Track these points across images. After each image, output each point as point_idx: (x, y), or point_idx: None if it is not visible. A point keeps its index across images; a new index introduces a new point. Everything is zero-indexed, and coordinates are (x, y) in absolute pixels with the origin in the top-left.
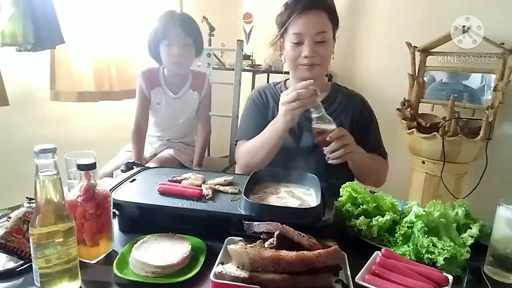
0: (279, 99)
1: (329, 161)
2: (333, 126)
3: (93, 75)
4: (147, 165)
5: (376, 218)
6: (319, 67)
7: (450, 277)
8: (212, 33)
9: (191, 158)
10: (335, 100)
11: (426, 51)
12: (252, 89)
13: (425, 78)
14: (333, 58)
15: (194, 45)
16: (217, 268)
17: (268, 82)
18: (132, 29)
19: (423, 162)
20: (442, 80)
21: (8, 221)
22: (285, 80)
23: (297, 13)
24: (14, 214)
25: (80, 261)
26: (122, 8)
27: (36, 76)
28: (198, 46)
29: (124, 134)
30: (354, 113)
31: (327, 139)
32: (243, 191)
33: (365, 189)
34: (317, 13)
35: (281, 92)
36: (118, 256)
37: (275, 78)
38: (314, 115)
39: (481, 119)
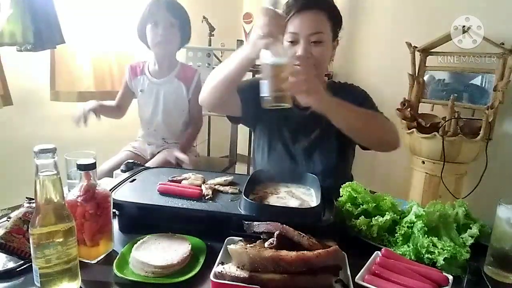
0: None
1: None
2: (285, 59)
3: (94, 75)
4: (146, 165)
5: (376, 218)
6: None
7: (450, 277)
8: (212, 33)
9: (189, 158)
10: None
11: (426, 51)
12: None
13: (425, 78)
14: (332, 60)
15: (180, 28)
16: (217, 268)
17: None
18: (132, 28)
19: (423, 162)
20: (442, 80)
21: (8, 221)
22: None
23: (294, 11)
24: (14, 214)
25: (80, 261)
26: (122, 8)
27: (36, 76)
28: (185, 31)
29: (124, 134)
30: None
31: (282, 75)
32: (243, 191)
33: (365, 189)
34: (315, 12)
35: None
36: (118, 256)
37: None
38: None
39: (481, 119)
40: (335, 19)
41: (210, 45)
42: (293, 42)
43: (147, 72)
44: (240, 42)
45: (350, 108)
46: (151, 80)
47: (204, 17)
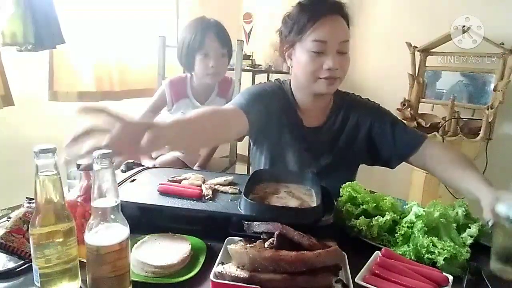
0: (287, 106)
1: None
2: None
3: (94, 75)
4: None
5: (376, 218)
6: (338, 81)
7: (450, 277)
8: None
9: (194, 161)
10: (339, 112)
11: (426, 51)
12: None
13: (425, 78)
14: None
15: (228, 55)
16: (217, 268)
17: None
18: (133, 29)
19: None
20: (442, 80)
21: (8, 221)
22: (289, 82)
23: (320, 17)
24: (14, 214)
25: (80, 261)
26: (123, 7)
27: (36, 76)
28: (230, 54)
29: None
30: (366, 123)
31: None
32: (243, 191)
33: (365, 189)
34: (340, 19)
35: (291, 97)
36: None
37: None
38: None
39: (481, 119)
40: (349, 27)
41: None
42: (319, 52)
43: (191, 95)
44: (240, 42)
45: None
46: (195, 104)
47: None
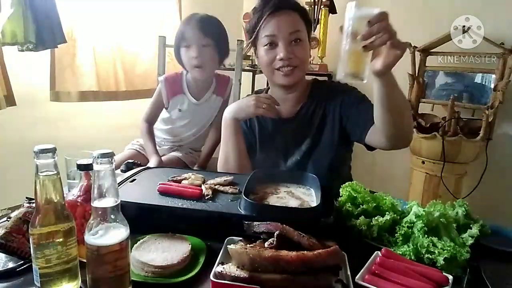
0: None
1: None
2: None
3: (96, 74)
4: (148, 165)
5: (376, 218)
6: (297, 69)
7: (450, 277)
8: None
9: (196, 161)
10: (313, 101)
11: (426, 51)
12: (252, 89)
13: (425, 78)
14: (312, 61)
15: (215, 46)
16: (217, 268)
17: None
18: (135, 29)
19: (423, 162)
20: (442, 80)
21: (8, 221)
22: (267, 89)
23: (268, 14)
24: (14, 214)
25: (80, 261)
26: (125, 7)
27: (36, 76)
28: (221, 48)
29: (124, 134)
30: (336, 105)
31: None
32: (243, 191)
33: (365, 189)
34: (288, 12)
35: None
36: None
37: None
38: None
39: (481, 119)
40: (307, 20)
41: None
42: (272, 45)
43: (187, 91)
44: (240, 42)
45: (397, 86)
46: (191, 100)
47: None
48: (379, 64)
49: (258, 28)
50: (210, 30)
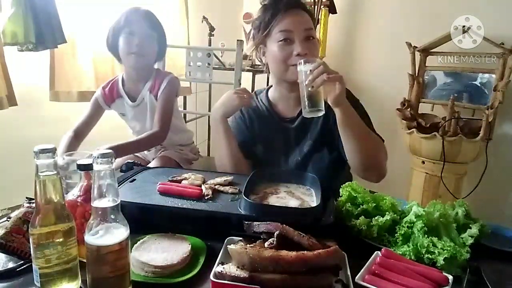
0: (260, 111)
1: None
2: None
3: (95, 75)
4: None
5: (376, 218)
6: None
7: (450, 277)
8: (212, 33)
9: (188, 157)
10: None
11: (426, 51)
12: (252, 89)
13: (425, 78)
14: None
15: (157, 41)
16: (217, 268)
17: (268, 82)
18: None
19: (423, 162)
20: (442, 80)
21: (8, 221)
22: (268, 88)
23: (282, 11)
24: (14, 214)
25: (80, 261)
26: (126, 6)
27: (36, 76)
28: (162, 45)
29: (125, 134)
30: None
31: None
32: (243, 191)
33: (365, 189)
34: (300, 11)
35: (262, 103)
36: None
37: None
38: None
39: (481, 119)
40: (313, 20)
41: (210, 45)
42: (287, 40)
43: (123, 93)
44: (240, 42)
45: (358, 120)
46: (129, 103)
47: (204, 17)
48: (331, 97)
49: (272, 24)
50: (155, 23)
